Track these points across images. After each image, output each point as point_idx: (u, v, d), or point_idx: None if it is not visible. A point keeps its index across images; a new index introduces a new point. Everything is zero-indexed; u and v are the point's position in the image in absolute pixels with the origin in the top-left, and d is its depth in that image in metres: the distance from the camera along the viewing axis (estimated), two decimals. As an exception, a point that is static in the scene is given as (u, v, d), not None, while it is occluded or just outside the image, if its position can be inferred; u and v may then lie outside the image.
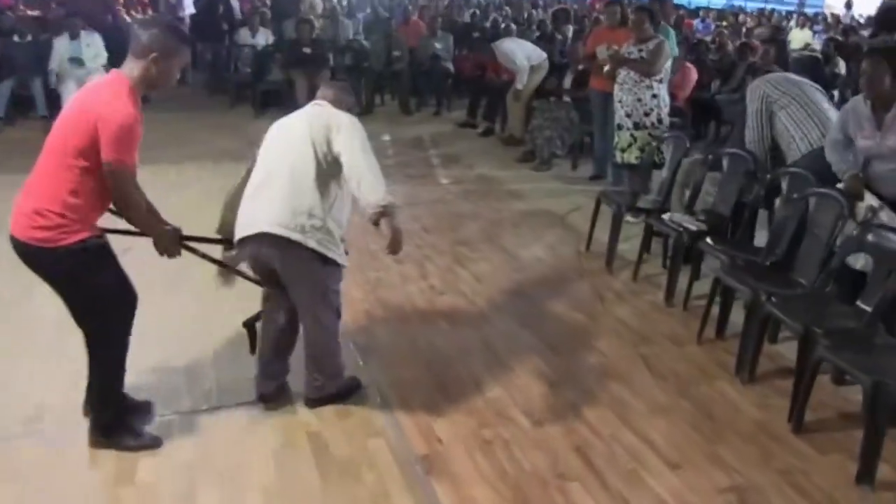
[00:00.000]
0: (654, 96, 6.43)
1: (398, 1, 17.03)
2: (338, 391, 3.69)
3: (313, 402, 3.65)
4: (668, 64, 6.47)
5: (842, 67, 10.68)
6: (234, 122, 10.13)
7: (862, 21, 17.63)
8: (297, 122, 3.49)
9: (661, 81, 6.46)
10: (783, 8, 26.04)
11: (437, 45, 11.59)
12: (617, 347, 4.42)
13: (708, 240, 4.82)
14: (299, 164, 3.32)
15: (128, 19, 12.81)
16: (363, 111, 11.14)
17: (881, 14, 7.30)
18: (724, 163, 5.26)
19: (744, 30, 14.70)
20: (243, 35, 11.95)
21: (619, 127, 6.58)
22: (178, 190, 6.84)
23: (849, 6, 21.67)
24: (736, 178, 5.07)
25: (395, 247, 3.35)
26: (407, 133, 10.16)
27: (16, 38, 10.17)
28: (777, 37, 11.91)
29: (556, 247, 6.04)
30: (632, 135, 6.49)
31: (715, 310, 4.49)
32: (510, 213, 6.87)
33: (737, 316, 4.40)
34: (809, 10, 26.56)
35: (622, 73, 6.47)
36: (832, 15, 19.62)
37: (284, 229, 3.26)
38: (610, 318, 4.80)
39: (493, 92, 10.00)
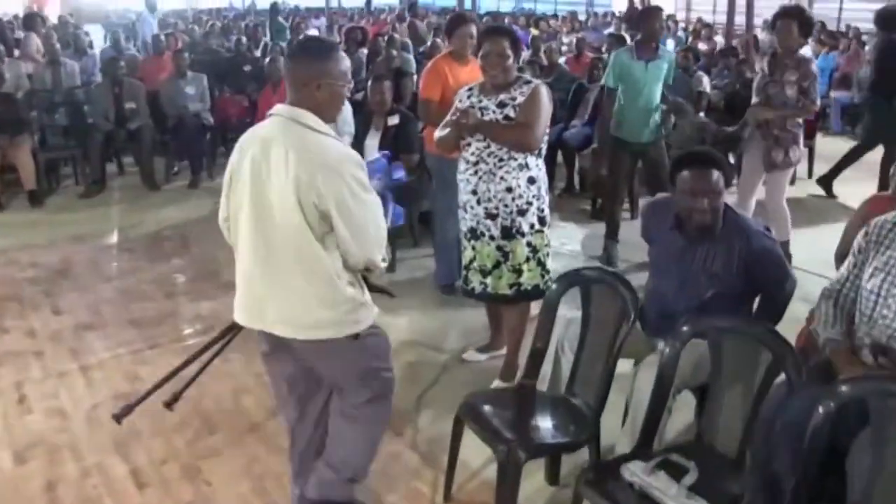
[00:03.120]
0: (532, 181, 3.76)
1: (145, 31, 13.62)
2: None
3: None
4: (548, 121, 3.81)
5: (706, 85, 8.52)
6: None
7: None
8: (274, 169, 2.43)
9: (539, 154, 3.81)
10: (573, 8, 24.65)
11: (188, 90, 8.46)
12: None
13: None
14: (298, 242, 2.47)
15: None
16: (85, 192, 7.91)
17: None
18: (711, 338, 2.64)
19: (572, 39, 12.44)
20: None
21: (475, 235, 3.87)
22: None
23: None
24: (748, 375, 2.46)
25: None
26: (146, 223, 6.97)
27: None
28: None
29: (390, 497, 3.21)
30: (499, 248, 3.81)
31: None
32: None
33: None
34: (599, 9, 25.43)
35: (473, 146, 3.76)
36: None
37: (305, 330, 2.55)
38: None
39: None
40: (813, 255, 5.38)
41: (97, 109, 8.13)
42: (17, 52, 10.43)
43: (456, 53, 4.99)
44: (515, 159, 3.69)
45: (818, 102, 5.36)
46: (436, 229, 5.32)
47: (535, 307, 4.04)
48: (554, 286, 3.11)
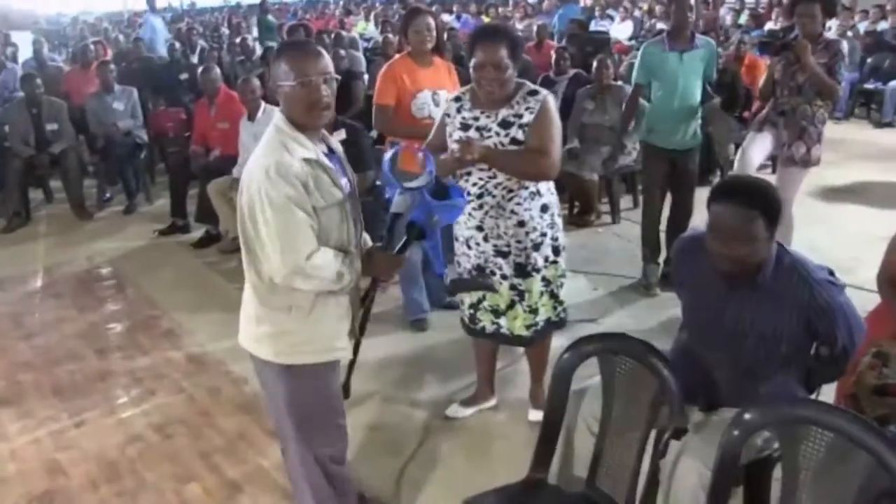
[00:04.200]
0: (545, 208, 3.21)
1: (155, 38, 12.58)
2: None
3: None
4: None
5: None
6: None
7: None
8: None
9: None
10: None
11: (116, 106, 7.66)
12: None
13: None
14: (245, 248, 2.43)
15: None
16: (7, 226, 7.11)
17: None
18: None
19: (528, 24, 11.77)
20: None
21: (483, 274, 3.28)
22: None
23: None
24: (836, 474, 1.87)
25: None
26: (76, 260, 6.19)
27: None
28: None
29: None
30: (513, 287, 3.24)
31: None
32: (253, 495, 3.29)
33: None
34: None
35: (476, 176, 3.16)
36: None
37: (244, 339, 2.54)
38: None
39: (206, 174, 6.27)
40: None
41: (14, 133, 7.30)
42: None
43: (415, 52, 4.34)
44: (526, 188, 3.14)
45: (842, 84, 4.73)
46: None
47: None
48: (567, 355, 2.48)
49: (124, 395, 4.12)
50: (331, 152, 2.46)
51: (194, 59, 10.51)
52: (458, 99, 3.26)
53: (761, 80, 5.02)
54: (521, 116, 3.07)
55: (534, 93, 3.12)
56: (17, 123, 7.28)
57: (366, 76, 8.25)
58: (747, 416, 2.01)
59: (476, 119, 3.15)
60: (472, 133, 3.12)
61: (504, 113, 3.09)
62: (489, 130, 3.11)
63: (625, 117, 4.87)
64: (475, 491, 2.54)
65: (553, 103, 3.15)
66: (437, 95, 4.27)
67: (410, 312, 4.68)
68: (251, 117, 5.83)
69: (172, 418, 3.86)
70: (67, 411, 3.98)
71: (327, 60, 2.37)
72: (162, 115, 8.31)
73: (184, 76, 9.25)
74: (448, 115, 3.26)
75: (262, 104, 5.85)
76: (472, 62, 3.06)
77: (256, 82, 5.97)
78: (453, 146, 3.11)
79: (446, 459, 3.40)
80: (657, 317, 4.60)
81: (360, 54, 9.47)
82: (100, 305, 5.32)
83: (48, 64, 10.22)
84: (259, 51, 10.17)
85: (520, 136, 3.06)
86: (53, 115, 7.35)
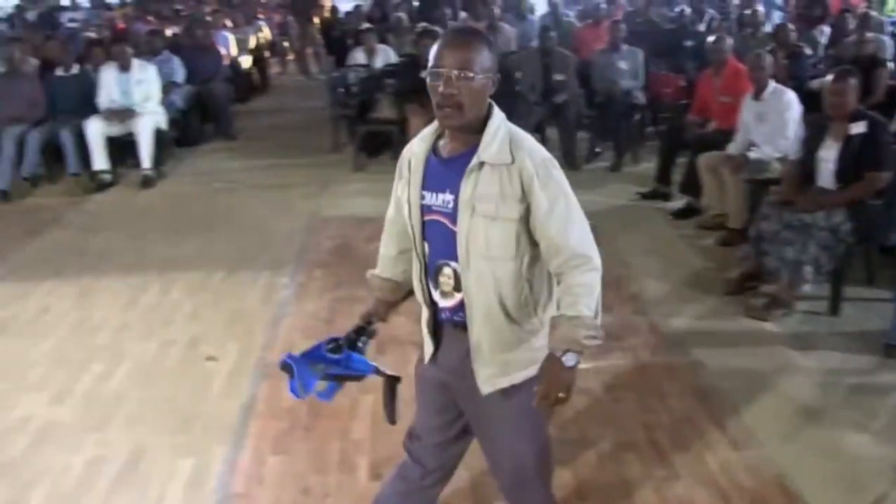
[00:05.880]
0: None
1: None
2: None
3: None
4: None
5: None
6: (321, 179, 7.59)
7: None
8: None
9: None
10: None
11: (621, 65, 7.85)
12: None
13: None
14: None
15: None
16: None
17: None
18: None
19: None
20: (356, 54, 8.88)
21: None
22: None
23: None
24: None
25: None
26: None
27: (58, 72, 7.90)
28: None
29: None
30: None
31: None
32: None
33: None
34: None
35: None
36: None
37: None
38: None
39: (698, 145, 6.16)
40: None
41: (525, 79, 7.87)
42: (462, 15, 10.71)
43: None
44: None
45: None
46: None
47: None
48: None
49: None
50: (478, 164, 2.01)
51: (701, 27, 10.31)
52: None
53: None
54: None
55: None
56: (529, 71, 7.84)
57: (891, 64, 7.39)
58: None
59: None
60: None
61: None
62: None
63: None
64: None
65: None
66: None
67: (891, 335, 4.16)
68: (757, 95, 5.57)
69: (623, 382, 3.89)
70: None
71: (470, 55, 1.95)
72: (661, 79, 8.37)
73: (689, 43, 9.15)
74: None
75: (772, 83, 5.54)
76: None
77: (769, 58, 5.67)
78: None
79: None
80: None
81: (887, 38, 8.49)
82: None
83: (562, 19, 10.83)
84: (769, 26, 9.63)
85: None
86: (562, 67, 7.80)
